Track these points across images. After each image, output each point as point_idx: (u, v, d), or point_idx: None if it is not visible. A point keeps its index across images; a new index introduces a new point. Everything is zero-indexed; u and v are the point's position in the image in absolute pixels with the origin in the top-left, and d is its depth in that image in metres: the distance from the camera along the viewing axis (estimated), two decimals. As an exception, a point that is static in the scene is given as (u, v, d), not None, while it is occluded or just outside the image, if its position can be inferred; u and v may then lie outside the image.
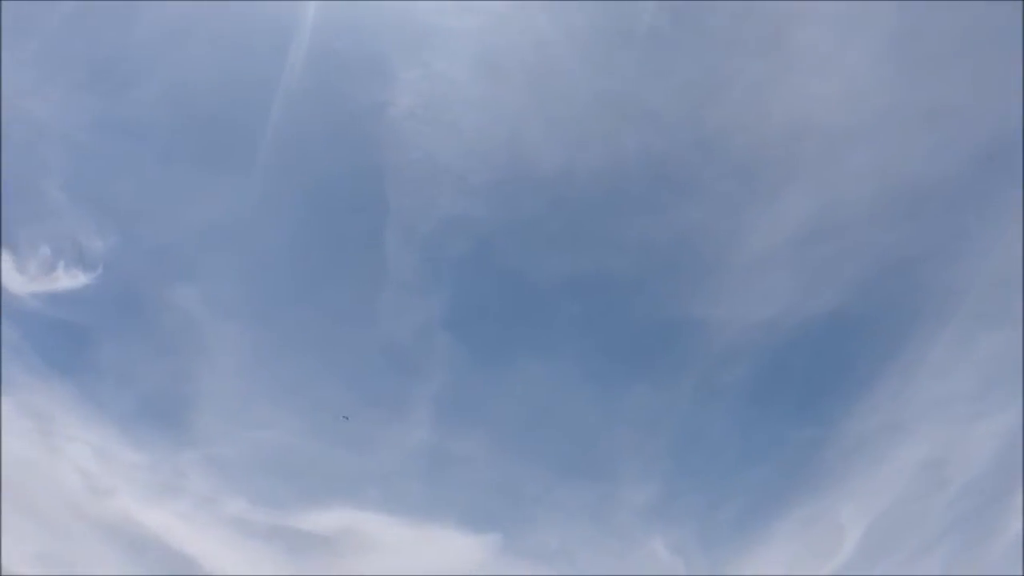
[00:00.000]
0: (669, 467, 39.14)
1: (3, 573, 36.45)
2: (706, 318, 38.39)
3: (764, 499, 38.91)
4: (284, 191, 37.73)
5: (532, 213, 37.07)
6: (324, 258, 38.02)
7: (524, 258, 37.87)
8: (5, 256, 38.86)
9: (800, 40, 35.85)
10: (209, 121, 37.17)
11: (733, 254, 38.24)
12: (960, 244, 37.38)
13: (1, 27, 34.43)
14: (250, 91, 36.46)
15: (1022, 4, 33.04)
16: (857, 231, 38.14)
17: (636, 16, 34.97)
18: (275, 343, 37.98)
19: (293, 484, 37.64)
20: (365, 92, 36.14)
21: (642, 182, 37.09)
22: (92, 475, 38.38)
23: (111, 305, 38.08)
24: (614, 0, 34.74)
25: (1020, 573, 31.78)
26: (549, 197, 36.73)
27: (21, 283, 38.55)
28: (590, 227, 37.45)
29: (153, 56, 36.66)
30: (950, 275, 37.36)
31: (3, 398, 39.27)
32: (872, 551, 37.01)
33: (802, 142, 37.37)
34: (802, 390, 40.06)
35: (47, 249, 37.92)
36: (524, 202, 37.08)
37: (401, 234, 36.98)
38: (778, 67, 36.33)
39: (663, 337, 38.75)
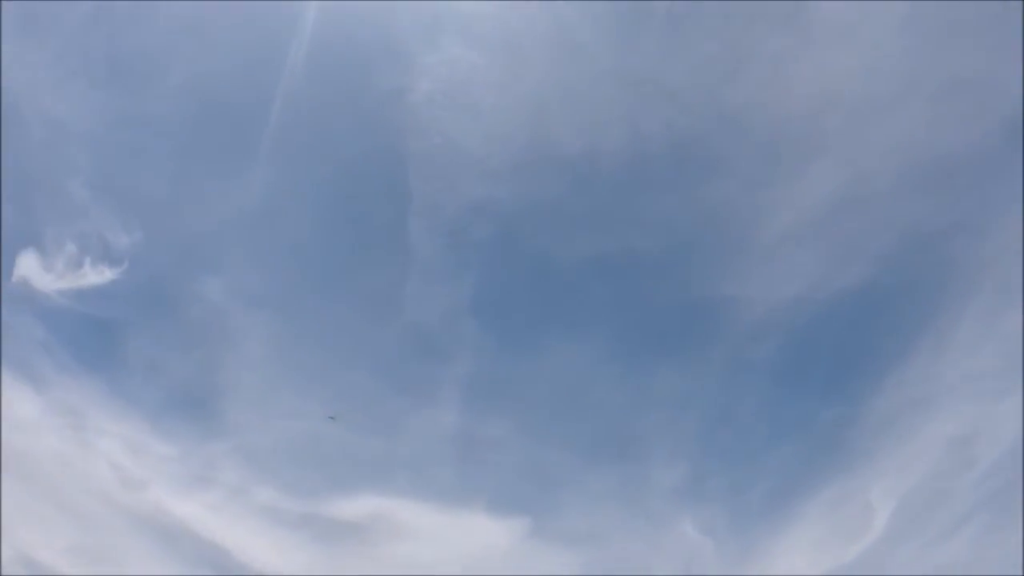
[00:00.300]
0: (698, 447, 38.95)
1: (39, 567, 36.94)
2: (733, 296, 38.10)
3: (793, 478, 38.61)
4: (305, 180, 37.82)
5: (555, 195, 36.89)
6: (348, 246, 38.10)
7: (549, 240, 37.72)
8: (32, 255, 39.25)
9: (819, 14, 35.30)
10: (228, 114, 37.29)
11: (758, 231, 37.90)
12: (986, 216, 36.79)
13: (1, 26, 34.57)
14: (268, 82, 36.49)
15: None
16: (882, 205, 37.64)
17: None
18: (302, 332, 38.15)
19: (322, 472, 37.85)
20: (383, 79, 36.06)
21: (665, 161, 36.78)
22: (124, 468, 38.77)
23: (138, 299, 38.40)
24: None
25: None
26: (572, 178, 36.53)
27: (48, 281, 38.96)
28: (614, 207, 37.20)
29: (170, 52, 36.77)
30: (977, 248, 36.81)
31: (36, 395, 39.78)
32: (901, 530, 36.68)
33: (825, 116, 36.87)
34: (830, 367, 39.69)
35: (73, 246, 38.29)
36: (547, 184, 36.89)
37: (424, 220, 36.93)
38: (798, 41, 35.82)
39: (690, 317, 38.50)
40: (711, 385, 38.90)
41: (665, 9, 34.92)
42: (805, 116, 36.68)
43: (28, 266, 39.15)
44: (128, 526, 38.70)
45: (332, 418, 35.86)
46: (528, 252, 37.91)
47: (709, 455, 38.90)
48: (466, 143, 35.92)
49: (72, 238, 37.95)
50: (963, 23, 34.47)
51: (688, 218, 37.78)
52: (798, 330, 38.76)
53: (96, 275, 37.81)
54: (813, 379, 39.85)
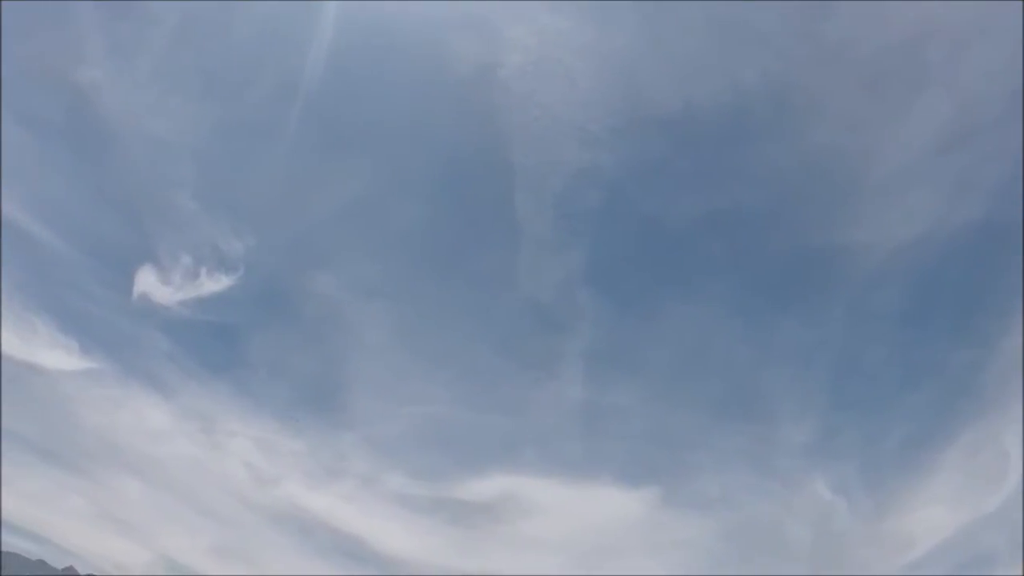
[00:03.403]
0: (826, 402, 38.07)
1: (184, 570, 38.75)
2: (849, 243, 37.09)
3: (925, 428, 37.48)
4: (408, 168, 38.52)
5: (658, 155, 36.57)
6: (457, 227, 38.62)
7: (656, 202, 37.40)
8: (149, 271, 41.14)
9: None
10: (323, 110, 38.22)
11: (869, 173, 36.80)
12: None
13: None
14: (359, 77, 37.18)
15: None
16: (994, 134, 35.94)
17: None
18: (419, 317, 38.93)
19: (451, 455, 38.59)
20: (474, 58, 36.35)
21: (765, 109, 35.98)
22: (256, 467, 40.49)
23: (255, 302, 39.98)
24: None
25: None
26: (673, 136, 36.16)
27: (168, 294, 40.90)
28: (718, 163, 36.63)
29: (257, 58, 37.94)
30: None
31: (166, 404, 41.73)
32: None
33: (926, 45, 35.36)
34: (956, 309, 38.28)
35: (188, 258, 40.05)
36: (649, 145, 36.58)
37: (530, 193, 37.12)
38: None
39: (807, 267, 37.60)
40: (835, 336, 37.91)
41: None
42: (905, 47, 35.32)
43: (146, 282, 41.26)
44: (265, 522, 40.43)
45: (296, 420, 36.26)
46: (636, 216, 37.68)
47: (837, 409, 37.96)
48: (563, 112, 35.93)
49: (186, 250, 39.73)
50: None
51: (794, 166, 36.88)
52: (920, 272, 37.44)
53: (213, 283, 39.50)
54: (939, 322, 38.45)
